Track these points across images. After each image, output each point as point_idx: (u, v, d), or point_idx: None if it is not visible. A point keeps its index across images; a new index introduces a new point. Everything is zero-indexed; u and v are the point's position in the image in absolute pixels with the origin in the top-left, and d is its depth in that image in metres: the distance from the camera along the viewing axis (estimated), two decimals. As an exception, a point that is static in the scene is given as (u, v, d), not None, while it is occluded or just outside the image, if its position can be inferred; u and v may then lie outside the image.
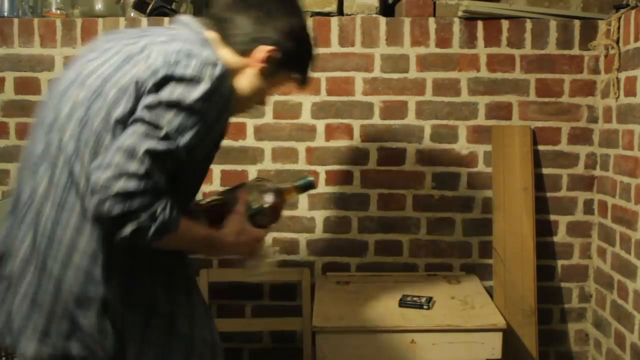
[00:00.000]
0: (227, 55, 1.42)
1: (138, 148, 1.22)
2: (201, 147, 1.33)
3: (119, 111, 1.28)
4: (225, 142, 2.68)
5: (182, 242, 1.35)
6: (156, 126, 1.24)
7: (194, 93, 1.26)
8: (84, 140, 1.30)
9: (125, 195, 1.20)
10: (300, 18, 1.51)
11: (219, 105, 1.31)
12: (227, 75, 1.33)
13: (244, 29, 1.43)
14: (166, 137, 1.25)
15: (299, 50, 1.49)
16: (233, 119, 2.67)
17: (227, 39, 1.44)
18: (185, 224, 1.32)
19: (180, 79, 1.27)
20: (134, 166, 1.21)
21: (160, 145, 1.24)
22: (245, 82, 1.46)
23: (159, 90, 1.26)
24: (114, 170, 1.20)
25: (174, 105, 1.26)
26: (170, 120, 1.25)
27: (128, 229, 1.22)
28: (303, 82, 1.57)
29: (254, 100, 1.56)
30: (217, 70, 1.30)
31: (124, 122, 1.27)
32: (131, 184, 1.20)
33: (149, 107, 1.25)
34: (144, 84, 1.28)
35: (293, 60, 1.49)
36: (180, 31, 1.41)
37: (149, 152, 1.22)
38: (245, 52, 1.44)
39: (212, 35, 1.43)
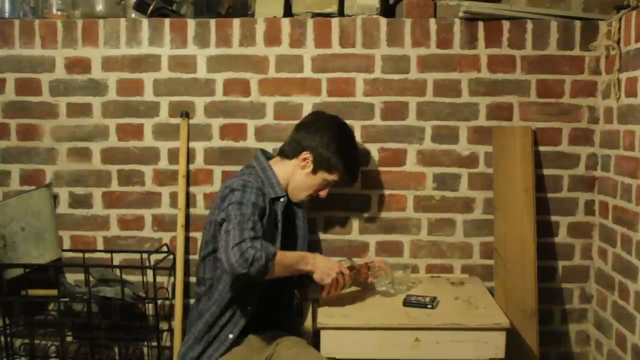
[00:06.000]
0: (278, 165, 2.18)
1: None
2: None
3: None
4: (226, 143, 2.68)
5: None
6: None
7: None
8: None
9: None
10: (338, 134, 2.19)
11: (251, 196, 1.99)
12: (251, 185, 2.03)
13: (296, 140, 2.17)
14: None
15: (329, 156, 2.14)
16: (234, 120, 2.66)
17: (281, 154, 2.21)
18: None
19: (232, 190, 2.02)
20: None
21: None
22: (298, 176, 2.16)
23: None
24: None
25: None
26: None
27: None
28: (344, 183, 2.28)
29: (309, 191, 2.19)
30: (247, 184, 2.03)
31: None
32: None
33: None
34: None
35: (324, 164, 2.14)
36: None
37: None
38: (292, 155, 2.17)
39: (273, 160, 2.21)
